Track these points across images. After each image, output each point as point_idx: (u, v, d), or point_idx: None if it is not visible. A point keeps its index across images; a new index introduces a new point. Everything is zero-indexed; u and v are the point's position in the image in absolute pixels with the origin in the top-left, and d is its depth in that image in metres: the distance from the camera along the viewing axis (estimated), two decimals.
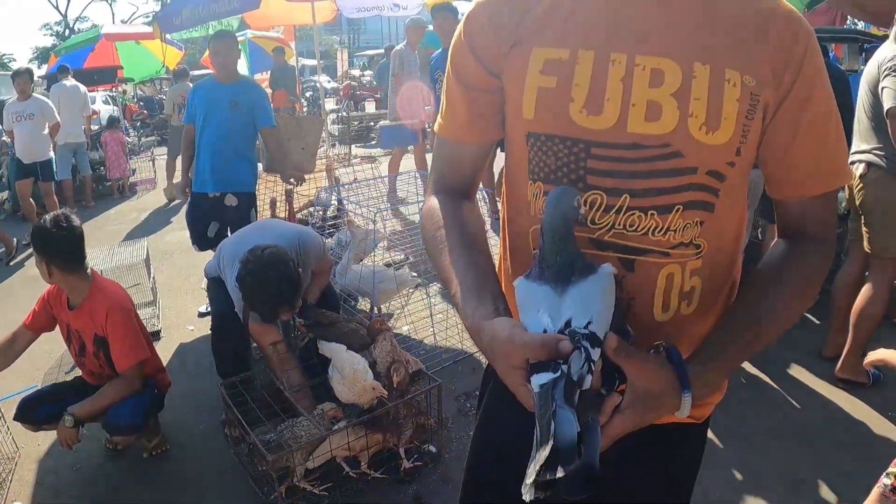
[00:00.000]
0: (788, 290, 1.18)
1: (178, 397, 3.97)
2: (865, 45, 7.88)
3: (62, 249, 3.24)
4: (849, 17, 12.02)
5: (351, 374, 3.06)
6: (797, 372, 4.04)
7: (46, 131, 8.20)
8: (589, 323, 0.96)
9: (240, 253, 3.37)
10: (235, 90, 4.88)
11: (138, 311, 3.59)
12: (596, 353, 0.94)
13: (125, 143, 11.18)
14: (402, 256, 5.40)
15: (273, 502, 3.04)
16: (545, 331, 0.98)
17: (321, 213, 5.61)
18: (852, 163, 3.70)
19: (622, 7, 1.13)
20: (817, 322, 4.59)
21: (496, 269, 1.27)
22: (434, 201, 1.34)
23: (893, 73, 3.43)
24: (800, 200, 1.21)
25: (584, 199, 1.12)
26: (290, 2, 7.40)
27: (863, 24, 14.15)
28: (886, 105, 3.40)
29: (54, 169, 8.42)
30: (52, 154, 8.29)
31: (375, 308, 4.67)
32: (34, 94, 8.36)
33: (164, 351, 4.78)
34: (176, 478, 3.47)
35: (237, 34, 12.51)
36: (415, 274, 5.03)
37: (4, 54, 49.45)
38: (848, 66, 8.50)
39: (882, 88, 3.46)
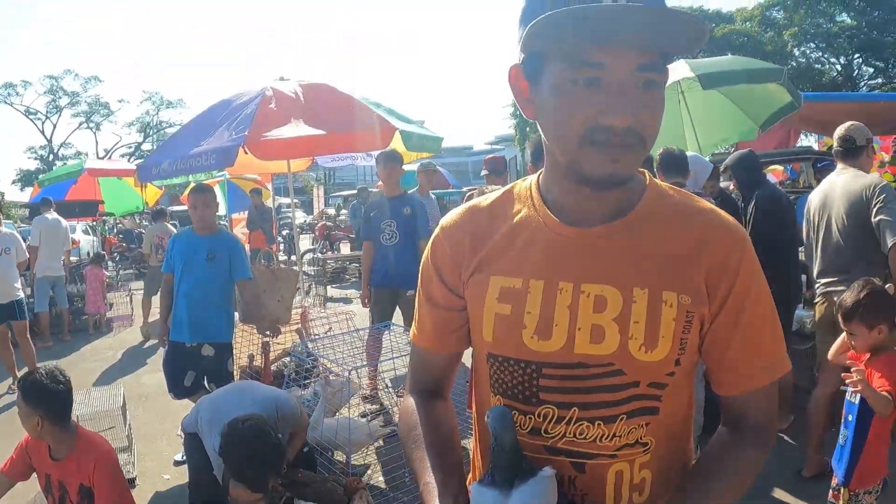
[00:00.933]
0: (724, 483, 1.25)
1: None
2: (817, 164, 8.79)
3: (57, 404, 3.30)
4: (801, 130, 12.90)
5: None
6: (781, 495, 4.10)
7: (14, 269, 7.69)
8: None
9: (218, 420, 3.47)
10: (213, 242, 5.08)
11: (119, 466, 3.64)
12: None
13: (105, 280, 11.31)
14: (376, 406, 5.48)
15: None
16: None
17: (295, 365, 5.72)
18: (824, 293, 3.87)
19: (570, 240, 1.26)
20: (793, 443, 4.71)
21: (465, 462, 1.41)
22: (409, 401, 1.49)
23: (886, 207, 3.64)
24: (740, 394, 1.29)
25: (538, 412, 1.25)
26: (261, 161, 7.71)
27: (815, 136, 15.18)
28: (889, 241, 3.60)
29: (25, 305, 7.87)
30: (21, 293, 7.77)
31: (350, 459, 4.73)
32: (3, 227, 7.81)
33: (140, 500, 4.75)
34: None
35: (216, 174, 12.93)
36: (388, 424, 5.11)
37: None
38: (804, 180, 9.62)
39: (878, 222, 3.67)
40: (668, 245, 1.24)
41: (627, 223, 1.25)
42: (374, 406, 5.75)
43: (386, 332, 5.41)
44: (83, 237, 17.68)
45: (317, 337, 5.83)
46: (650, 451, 1.25)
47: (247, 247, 13.41)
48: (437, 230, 1.45)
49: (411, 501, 4.14)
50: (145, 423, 6.30)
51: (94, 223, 18.05)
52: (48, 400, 3.27)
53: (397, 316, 6.35)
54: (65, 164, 37.33)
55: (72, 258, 11.43)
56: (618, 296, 1.21)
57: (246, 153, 5.74)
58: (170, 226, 11.25)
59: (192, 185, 7.13)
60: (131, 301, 11.95)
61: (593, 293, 1.22)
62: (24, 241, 8.38)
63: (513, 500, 1.15)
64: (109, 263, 17.01)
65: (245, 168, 9.55)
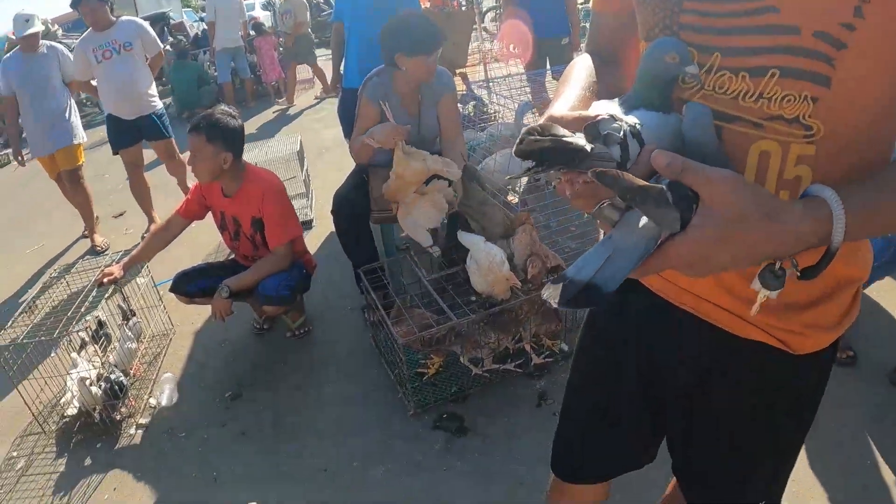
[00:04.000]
0: None
1: (324, 283, 4.22)
2: None
3: (237, 139, 3.46)
4: None
5: (487, 264, 3.06)
6: None
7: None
8: (638, 125, 0.90)
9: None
10: None
11: (292, 203, 3.76)
12: (633, 143, 0.88)
13: (277, 46, 11.48)
14: None
15: (405, 390, 3.20)
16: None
17: (472, 107, 5.59)
18: None
19: None
20: None
21: None
22: (583, 57, 1.31)
23: None
24: None
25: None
26: None
27: None
28: None
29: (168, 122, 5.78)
30: (160, 103, 5.71)
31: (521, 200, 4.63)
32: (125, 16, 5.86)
33: (315, 240, 5.07)
34: (314, 358, 3.72)
35: None
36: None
37: None
38: None
39: None
40: None
41: None
42: None
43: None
44: (262, 13, 17.91)
45: (490, 80, 5.65)
46: (814, 142, 0.96)
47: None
48: None
49: (578, 247, 4.01)
50: (324, 172, 6.53)
51: None
52: (233, 135, 3.41)
53: None
54: None
55: (251, 31, 11.60)
56: None
57: None
58: None
59: None
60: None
61: None
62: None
63: (637, 115, 0.93)
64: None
65: None
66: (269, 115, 10.17)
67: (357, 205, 3.63)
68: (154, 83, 5.65)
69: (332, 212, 3.72)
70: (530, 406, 3.09)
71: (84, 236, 6.16)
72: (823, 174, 0.96)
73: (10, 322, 3.61)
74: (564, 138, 0.84)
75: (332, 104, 9.01)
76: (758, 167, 1.00)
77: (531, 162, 0.85)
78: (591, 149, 0.84)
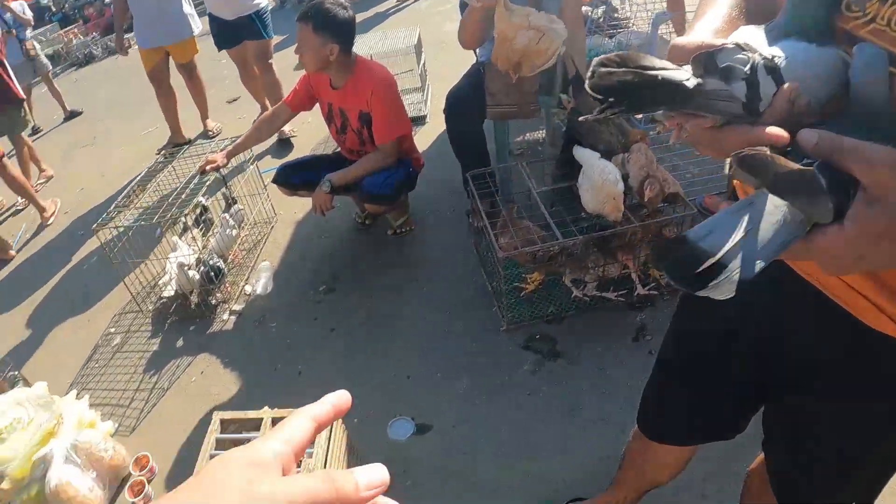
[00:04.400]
0: None
1: (432, 182, 4.07)
2: None
3: (350, 30, 3.31)
4: None
5: (600, 182, 2.84)
6: None
7: None
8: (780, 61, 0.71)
9: None
10: None
11: (406, 97, 3.61)
12: (766, 81, 0.69)
13: None
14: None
15: (500, 303, 3.05)
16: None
17: (601, 11, 5.20)
18: None
19: None
20: None
21: None
22: None
23: None
24: None
25: None
26: None
27: None
28: None
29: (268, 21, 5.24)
30: (264, 1, 5.18)
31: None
32: None
33: (427, 136, 4.90)
34: (413, 259, 3.63)
35: None
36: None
37: None
38: None
39: None
40: None
41: None
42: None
43: None
44: None
45: None
46: None
47: None
48: None
49: (703, 176, 3.68)
50: (442, 66, 6.29)
51: None
52: (341, 26, 3.25)
53: None
54: None
55: None
56: None
57: None
58: None
59: None
60: None
61: None
62: None
63: (830, 56, 0.72)
64: None
65: None
66: (389, 3, 9.90)
67: (471, 105, 3.42)
68: None
69: (445, 111, 3.55)
70: (627, 339, 2.89)
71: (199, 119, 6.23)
72: None
73: (115, 205, 3.65)
74: (651, 71, 0.67)
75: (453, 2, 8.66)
76: None
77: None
78: (699, 85, 0.68)
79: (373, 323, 3.26)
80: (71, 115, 8.65)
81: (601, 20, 5.09)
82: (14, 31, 7.78)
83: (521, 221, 3.03)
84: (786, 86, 0.69)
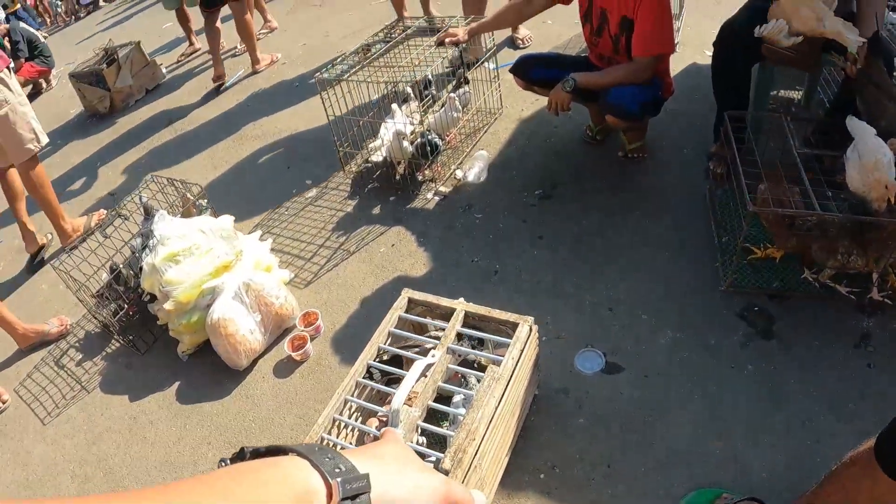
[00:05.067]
0: None
1: (674, 114, 3.67)
2: None
3: None
4: None
5: (872, 162, 2.41)
6: None
7: None
8: None
9: None
10: None
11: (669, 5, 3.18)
12: None
13: None
14: None
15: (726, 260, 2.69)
16: None
17: None
18: None
19: None
20: None
21: None
22: None
23: None
24: None
25: None
26: None
27: None
28: None
29: None
30: None
31: None
32: None
33: (675, 66, 4.39)
34: (640, 186, 3.29)
35: None
36: None
37: None
38: None
39: None
40: None
41: None
42: None
43: None
44: None
45: None
46: None
47: None
48: None
49: None
50: None
51: None
52: None
53: None
54: None
55: None
56: None
57: None
58: None
59: None
60: None
61: None
62: None
63: None
64: None
65: None
66: None
67: (747, 40, 2.96)
68: None
69: (716, 42, 3.13)
70: (848, 342, 2.44)
71: None
72: None
73: (341, 58, 3.47)
74: None
75: None
76: None
77: None
78: None
79: (583, 242, 2.98)
80: None
81: None
82: None
83: (780, 180, 2.62)
84: None
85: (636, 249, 2.91)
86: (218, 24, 5.49)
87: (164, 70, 6.36)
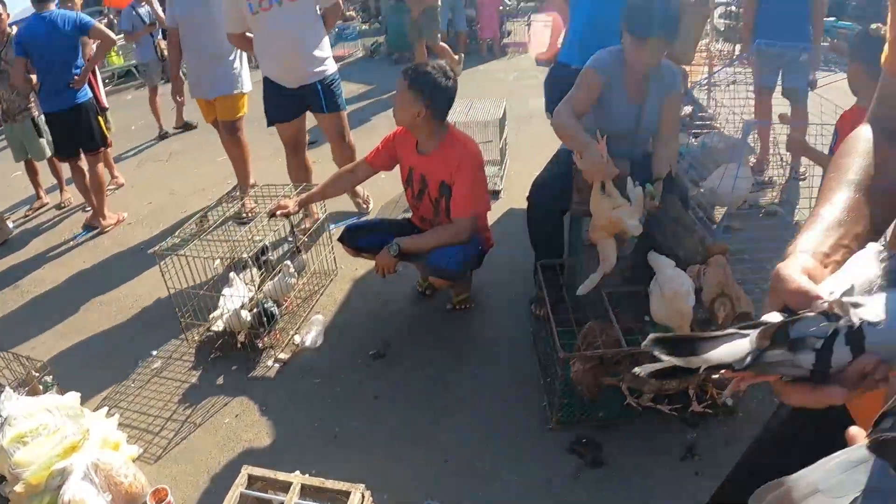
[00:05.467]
0: None
1: (499, 261, 3.98)
2: None
3: (443, 98, 3.29)
4: None
5: (671, 294, 2.76)
6: None
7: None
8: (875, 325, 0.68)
9: None
10: None
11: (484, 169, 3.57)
12: (842, 351, 0.68)
13: (499, 7, 11.42)
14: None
15: (551, 400, 2.95)
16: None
17: (689, 110, 5.17)
18: None
19: None
20: None
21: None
22: (862, 130, 1.08)
23: None
24: None
25: None
26: None
27: None
28: None
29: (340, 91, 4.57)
30: (332, 66, 4.48)
31: (729, 214, 4.19)
32: None
33: (498, 211, 4.87)
34: (468, 337, 3.53)
35: None
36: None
37: None
38: None
39: None
40: None
41: None
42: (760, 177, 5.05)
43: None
44: None
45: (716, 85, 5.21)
46: None
47: None
48: None
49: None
50: (523, 141, 6.34)
51: None
52: (436, 92, 3.24)
53: None
54: None
55: None
56: None
57: None
58: None
59: None
60: (529, 29, 11.99)
61: None
62: None
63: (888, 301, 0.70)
64: None
65: None
66: (480, 71, 10.09)
67: (556, 196, 3.38)
68: (327, 41, 4.44)
69: (528, 199, 3.50)
70: (675, 456, 2.73)
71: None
72: None
73: (179, 231, 3.67)
74: (698, 359, 0.71)
75: (539, 72, 8.71)
76: None
77: None
78: (757, 358, 0.70)
79: (418, 398, 3.17)
80: (185, 127, 8.49)
81: (688, 118, 5.06)
82: (150, 26, 7.86)
83: (589, 323, 2.93)
84: (864, 358, 0.68)
85: (470, 399, 3.12)
86: (83, 163, 5.47)
87: (10, 225, 6.27)
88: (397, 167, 3.64)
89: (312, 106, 4.45)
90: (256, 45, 4.34)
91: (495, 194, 5.12)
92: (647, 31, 3.04)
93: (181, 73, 5.46)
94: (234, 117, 5.10)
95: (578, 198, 3.24)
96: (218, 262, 3.81)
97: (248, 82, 5.11)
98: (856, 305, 0.70)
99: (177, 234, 3.68)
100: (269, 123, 4.57)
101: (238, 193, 5.27)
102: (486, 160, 5.21)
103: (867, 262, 0.77)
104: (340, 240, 3.66)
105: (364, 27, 14.64)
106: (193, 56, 5.00)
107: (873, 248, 0.80)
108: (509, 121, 5.85)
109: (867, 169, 1.00)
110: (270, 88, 4.42)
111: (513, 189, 5.09)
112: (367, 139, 5.90)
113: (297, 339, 3.55)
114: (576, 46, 4.55)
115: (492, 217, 4.55)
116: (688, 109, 5.21)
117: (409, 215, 3.83)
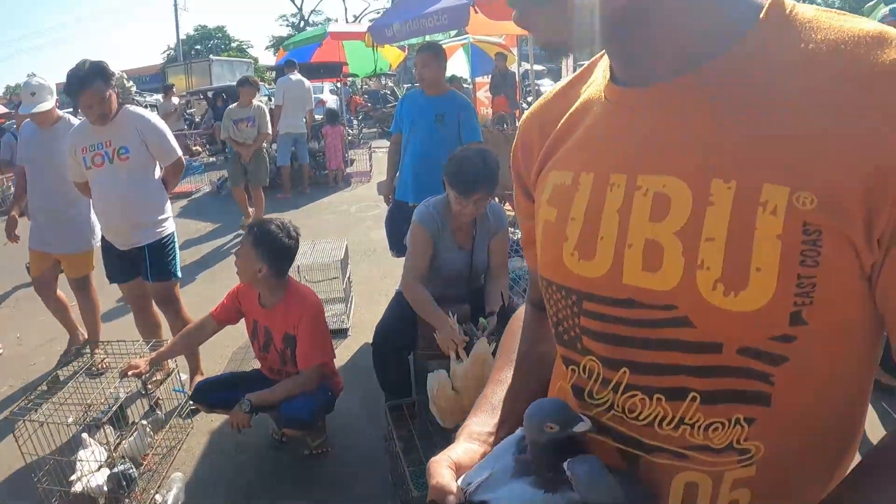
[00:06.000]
0: None
1: (350, 402, 4.13)
2: None
3: (284, 257, 3.50)
4: None
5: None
6: None
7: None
8: None
9: None
10: (442, 103, 4.87)
11: (329, 307, 3.74)
12: None
13: (344, 136, 11.90)
14: None
15: None
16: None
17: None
18: None
19: (624, 107, 0.86)
20: None
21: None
22: (520, 311, 1.27)
23: None
24: None
25: (582, 364, 0.89)
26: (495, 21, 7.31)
27: None
28: None
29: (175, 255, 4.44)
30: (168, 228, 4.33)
31: None
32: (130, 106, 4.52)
33: (347, 350, 5.00)
34: (329, 480, 3.61)
35: (460, 38, 12.72)
36: None
37: (243, 41, 56.41)
38: None
39: None
40: (793, 104, 0.71)
41: (718, 72, 0.77)
42: None
43: None
44: (330, 96, 18.68)
45: None
46: (756, 462, 0.79)
47: (489, 111, 13.36)
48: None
49: None
50: (367, 275, 6.56)
51: (339, 85, 18.48)
52: (277, 251, 3.43)
53: None
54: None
55: (316, 116, 11.98)
56: (685, 192, 0.75)
57: (477, 13, 5.46)
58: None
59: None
60: (371, 158, 12.55)
61: (652, 189, 0.79)
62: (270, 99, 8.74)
63: (512, 489, 0.82)
64: (353, 122, 17.84)
65: (487, 30, 9.36)
66: (325, 203, 10.40)
67: (400, 340, 3.60)
68: (164, 203, 4.25)
69: (373, 346, 3.70)
70: None
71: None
72: (765, 496, 0.81)
73: (32, 393, 3.63)
74: None
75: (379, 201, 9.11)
76: (683, 499, 0.82)
77: None
78: None
79: None
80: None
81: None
82: None
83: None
84: None
85: None
86: None
87: None
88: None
89: (139, 270, 4.23)
90: (93, 201, 4.23)
91: (343, 332, 5.25)
92: (467, 191, 3.34)
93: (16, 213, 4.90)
94: (81, 275, 4.86)
95: (423, 344, 3.50)
96: (72, 422, 3.76)
97: (98, 236, 4.62)
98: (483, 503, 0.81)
99: (28, 397, 3.62)
100: (110, 281, 4.43)
101: (87, 349, 4.99)
102: (332, 297, 5.45)
103: (506, 450, 0.87)
104: (192, 399, 3.73)
105: (211, 160, 14.77)
106: (37, 204, 4.66)
107: (516, 436, 0.88)
108: (353, 255, 6.10)
109: (525, 343, 1.14)
110: (106, 246, 4.30)
111: (360, 325, 5.28)
112: (210, 283, 5.97)
113: (159, 497, 3.54)
114: (409, 185, 4.92)
115: (342, 355, 4.72)
116: (520, 234, 5.64)
117: (257, 365, 3.95)
